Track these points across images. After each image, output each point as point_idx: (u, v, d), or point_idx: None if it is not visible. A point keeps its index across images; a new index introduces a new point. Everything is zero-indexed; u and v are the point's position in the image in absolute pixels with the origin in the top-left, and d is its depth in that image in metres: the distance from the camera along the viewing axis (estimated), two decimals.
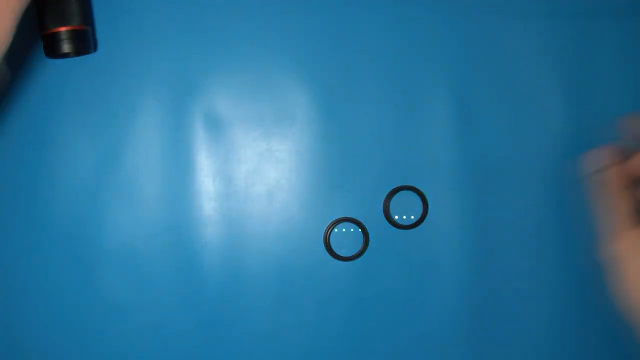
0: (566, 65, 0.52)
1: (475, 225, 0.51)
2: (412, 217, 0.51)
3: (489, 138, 0.52)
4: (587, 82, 0.52)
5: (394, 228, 0.51)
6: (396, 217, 0.51)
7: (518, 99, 0.52)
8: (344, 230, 0.51)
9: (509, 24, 0.52)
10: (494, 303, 0.52)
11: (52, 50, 0.48)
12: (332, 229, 0.50)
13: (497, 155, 0.52)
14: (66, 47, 0.48)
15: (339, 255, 0.50)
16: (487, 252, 0.51)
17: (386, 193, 0.51)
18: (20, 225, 0.51)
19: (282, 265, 0.51)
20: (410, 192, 0.51)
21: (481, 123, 0.52)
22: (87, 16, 0.49)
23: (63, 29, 0.48)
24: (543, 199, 0.52)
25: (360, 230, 0.51)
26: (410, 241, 0.51)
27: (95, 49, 0.50)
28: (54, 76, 0.50)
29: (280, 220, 0.51)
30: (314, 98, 0.51)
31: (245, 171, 0.51)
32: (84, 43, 0.49)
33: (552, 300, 0.52)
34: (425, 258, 0.47)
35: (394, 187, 0.51)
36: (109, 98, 0.51)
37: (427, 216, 0.51)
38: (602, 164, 0.47)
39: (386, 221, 0.51)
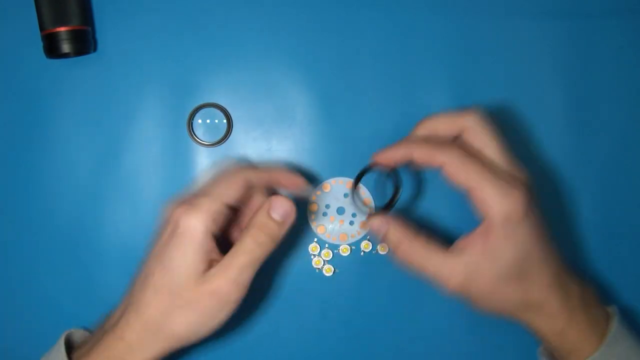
0: (566, 65, 0.52)
1: (475, 225, 0.51)
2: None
3: None
4: (587, 82, 0.52)
5: None
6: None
7: (518, 98, 0.52)
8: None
9: (509, 24, 0.52)
10: None
11: (52, 50, 0.48)
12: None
13: None
14: (66, 47, 0.48)
15: None
16: None
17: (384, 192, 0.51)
18: (20, 225, 0.51)
19: (282, 265, 0.51)
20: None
21: None
22: (87, 16, 0.49)
23: (63, 29, 0.48)
24: (542, 199, 0.52)
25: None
26: None
27: (95, 49, 0.51)
28: (54, 76, 0.51)
29: None
30: (314, 98, 0.51)
31: None
32: (84, 43, 0.49)
33: None
34: None
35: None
36: (108, 98, 0.51)
37: (426, 215, 0.51)
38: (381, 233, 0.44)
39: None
